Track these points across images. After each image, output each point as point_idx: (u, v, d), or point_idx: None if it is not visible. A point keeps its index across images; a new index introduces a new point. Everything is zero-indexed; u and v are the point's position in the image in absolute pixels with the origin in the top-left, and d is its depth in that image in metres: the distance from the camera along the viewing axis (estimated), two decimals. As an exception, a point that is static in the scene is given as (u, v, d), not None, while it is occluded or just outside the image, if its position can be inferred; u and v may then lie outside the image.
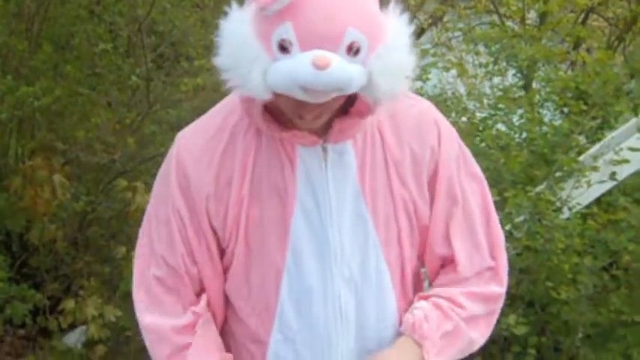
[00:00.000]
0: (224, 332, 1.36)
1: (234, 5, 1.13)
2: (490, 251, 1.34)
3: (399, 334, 1.29)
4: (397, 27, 1.13)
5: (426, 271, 1.38)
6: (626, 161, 3.06)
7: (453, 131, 1.34)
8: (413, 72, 1.15)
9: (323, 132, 1.22)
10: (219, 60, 1.12)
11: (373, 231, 1.26)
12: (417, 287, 1.36)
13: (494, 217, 1.36)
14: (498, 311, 1.37)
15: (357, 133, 1.24)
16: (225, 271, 1.30)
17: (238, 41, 1.10)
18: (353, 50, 1.07)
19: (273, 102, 1.14)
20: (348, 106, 1.21)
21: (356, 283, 1.26)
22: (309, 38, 1.06)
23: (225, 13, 1.12)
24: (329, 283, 1.25)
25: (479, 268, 1.33)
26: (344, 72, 1.06)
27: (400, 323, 1.30)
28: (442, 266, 1.35)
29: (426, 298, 1.32)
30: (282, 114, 1.19)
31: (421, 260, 1.36)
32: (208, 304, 1.31)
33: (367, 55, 1.09)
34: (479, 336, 1.33)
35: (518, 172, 3.19)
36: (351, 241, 1.25)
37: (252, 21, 1.10)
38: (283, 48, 1.07)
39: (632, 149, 3.00)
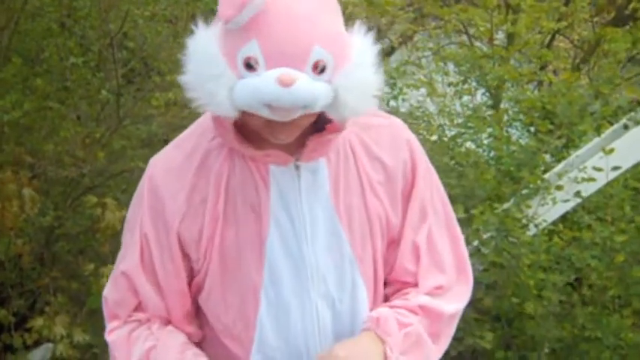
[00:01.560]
0: None
1: (201, 23, 1.14)
2: (454, 269, 1.35)
3: (361, 330, 1.28)
4: (363, 46, 1.15)
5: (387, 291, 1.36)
6: (592, 179, 3.12)
7: (423, 149, 1.35)
8: (380, 91, 1.15)
9: (296, 151, 1.23)
10: (186, 78, 1.13)
11: (349, 248, 1.27)
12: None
13: (460, 236, 1.38)
14: (452, 330, 1.35)
15: (329, 151, 1.25)
16: (198, 293, 1.30)
17: (204, 59, 1.10)
18: (319, 68, 1.09)
19: (243, 120, 1.15)
20: (322, 124, 1.21)
21: (333, 298, 1.27)
22: (275, 56, 1.06)
23: (192, 31, 1.13)
24: (306, 299, 1.25)
25: (435, 284, 1.32)
26: (309, 90, 1.07)
27: None
28: (404, 283, 1.35)
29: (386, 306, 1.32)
30: (255, 132, 1.19)
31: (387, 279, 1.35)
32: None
33: (333, 73, 1.11)
34: (436, 350, 1.32)
35: (488, 190, 3.24)
36: (327, 258, 1.26)
37: (218, 39, 1.11)
38: (249, 66, 1.08)
39: (596, 169, 3.07)
